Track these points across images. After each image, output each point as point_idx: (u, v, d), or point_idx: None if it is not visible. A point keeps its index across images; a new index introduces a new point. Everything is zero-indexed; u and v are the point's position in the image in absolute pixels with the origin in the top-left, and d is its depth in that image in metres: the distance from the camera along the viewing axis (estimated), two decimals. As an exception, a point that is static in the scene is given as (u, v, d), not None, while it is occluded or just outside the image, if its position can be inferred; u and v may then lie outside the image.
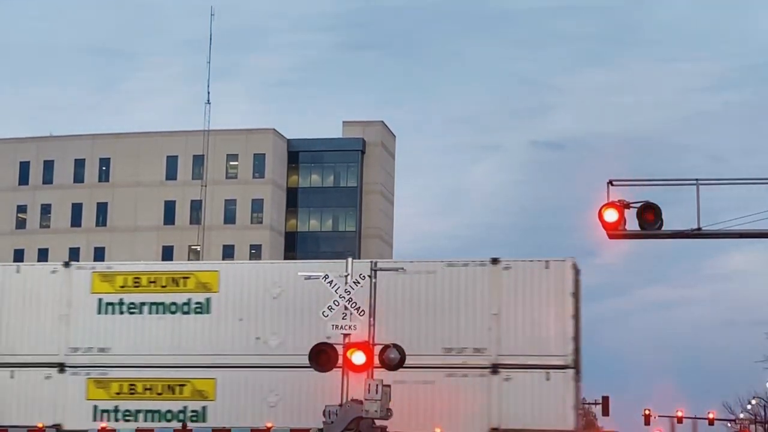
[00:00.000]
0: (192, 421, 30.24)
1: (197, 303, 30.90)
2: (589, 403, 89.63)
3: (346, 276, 27.26)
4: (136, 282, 31.21)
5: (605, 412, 75.77)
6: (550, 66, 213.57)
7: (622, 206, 25.09)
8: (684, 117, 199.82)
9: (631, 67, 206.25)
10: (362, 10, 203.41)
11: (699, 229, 25.26)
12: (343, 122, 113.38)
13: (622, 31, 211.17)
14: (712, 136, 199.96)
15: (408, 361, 27.32)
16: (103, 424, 30.95)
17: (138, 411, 30.73)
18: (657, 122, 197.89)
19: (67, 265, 32.29)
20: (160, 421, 30.49)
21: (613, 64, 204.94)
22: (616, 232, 25.36)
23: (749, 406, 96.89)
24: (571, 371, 29.60)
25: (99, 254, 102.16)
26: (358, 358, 26.53)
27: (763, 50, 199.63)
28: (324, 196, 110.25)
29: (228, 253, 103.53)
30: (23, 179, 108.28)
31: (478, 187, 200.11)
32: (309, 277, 28.91)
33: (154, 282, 31.34)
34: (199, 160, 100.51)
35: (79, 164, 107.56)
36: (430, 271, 30.30)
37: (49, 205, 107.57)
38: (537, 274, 30.06)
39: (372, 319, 27.34)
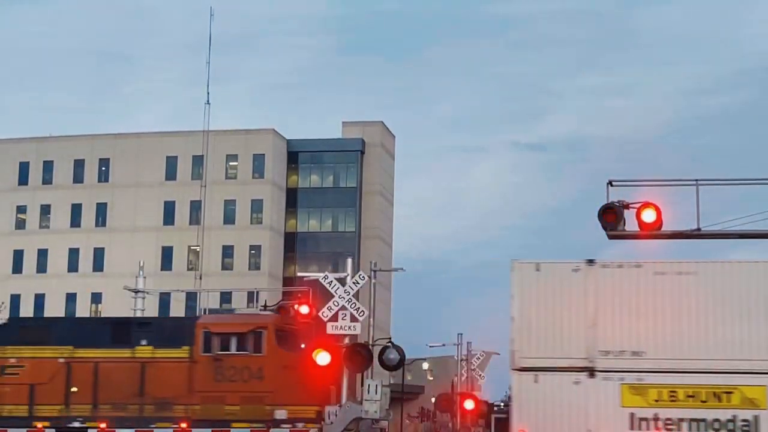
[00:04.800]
0: (743, 431, 29.30)
1: None
2: None
3: (345, 276, 27.17)
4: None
5: None
6: (547, 69, 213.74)
7: (622, 206, 25.06)
8: (678, 120, 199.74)
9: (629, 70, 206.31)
10: (361, 13, 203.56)
11: (699, 229, 25.24)
12: (343, 122, 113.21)
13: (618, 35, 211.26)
14: (706, 138, 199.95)
15: None
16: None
17: (681, 419, 29.54)
18: (657, 125, 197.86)
19: (590, 262, 30.82)
20: (706, 430, 29.50)
21: (612, 67, 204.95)
22: (615, 232, 25.33)
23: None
24: None
25: (98, 254, 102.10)
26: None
27: (756, 55, 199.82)
28: (323, 197, 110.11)
29: (227, 253, 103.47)
30: (23, 179, 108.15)
31: (477, 187, 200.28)
32: (306, 278, 28.90)
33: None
34: (198, 161, 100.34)
35: (79, 164, 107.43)
36: None
37: (49, 206, 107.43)
38: None
39: (372, 319, 27.30)
